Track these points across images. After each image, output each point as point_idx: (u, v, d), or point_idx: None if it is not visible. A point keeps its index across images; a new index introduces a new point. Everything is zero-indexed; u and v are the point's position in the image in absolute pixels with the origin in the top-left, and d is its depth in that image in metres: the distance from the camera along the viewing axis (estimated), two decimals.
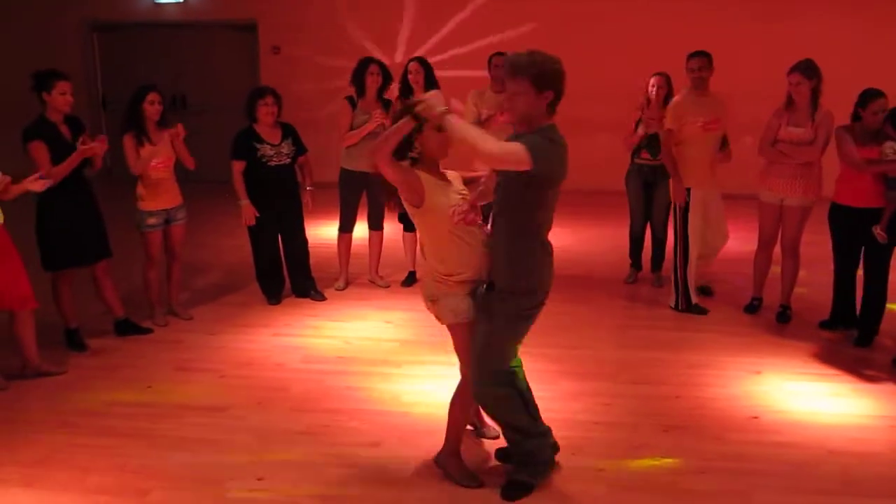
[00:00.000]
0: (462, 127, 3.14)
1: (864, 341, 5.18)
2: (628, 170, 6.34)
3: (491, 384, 3.41)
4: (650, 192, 6.26)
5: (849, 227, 5.17)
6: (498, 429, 3.75)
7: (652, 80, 6.07)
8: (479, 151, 3.10)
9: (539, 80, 3.14)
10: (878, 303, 5.16)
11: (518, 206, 3.28)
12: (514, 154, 3.09)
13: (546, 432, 3.65)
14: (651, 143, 6.09)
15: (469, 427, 3.92)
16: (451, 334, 3.51)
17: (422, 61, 6.07)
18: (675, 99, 5.80)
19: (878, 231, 4.97)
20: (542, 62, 3.16)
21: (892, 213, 4.95)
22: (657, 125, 5.97)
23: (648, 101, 6.08)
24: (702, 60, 5.65)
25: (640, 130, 6.08)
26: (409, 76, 5.99)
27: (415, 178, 3.29)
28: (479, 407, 3.76)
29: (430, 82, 6.00)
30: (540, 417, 3.63)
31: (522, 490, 3.51)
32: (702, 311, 5.79)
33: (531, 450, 3.58)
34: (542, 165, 3.10)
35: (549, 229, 3.39)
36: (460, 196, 3.40)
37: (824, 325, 5.48)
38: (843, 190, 5.19)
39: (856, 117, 5.12)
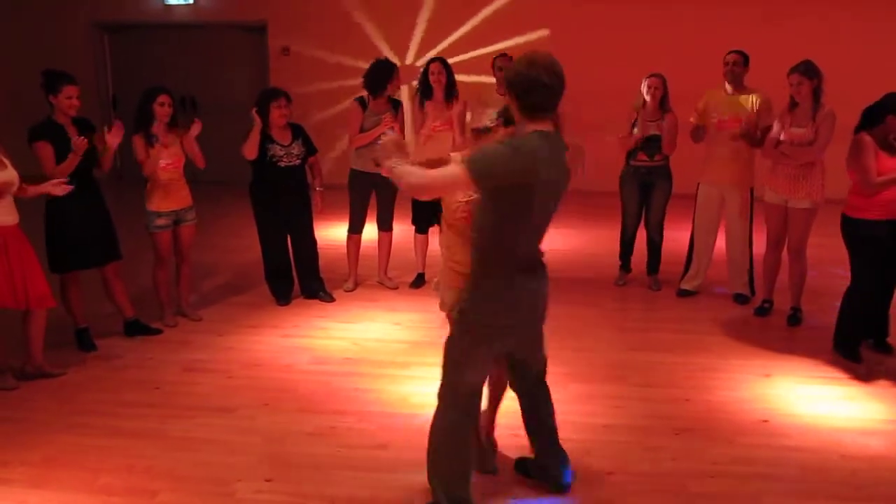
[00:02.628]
0: (398, 173, 3.00)
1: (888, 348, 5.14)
2: (623, 171, 6.28)
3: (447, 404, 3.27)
4: (647, 193, 6.23)
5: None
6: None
7: (647, 82, 6.04)
8: (406, 188, 2.99)
9: (509, 86, 3.01)
10: None
11: (481, 225, 3.07)
12: (446, 176, 2.95)
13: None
14: (648, 144, 6.06)
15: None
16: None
17: (444, 62, 6.06)
18: (706, 93, 5.87)
19: None
20: (511, 67, 3.03)
21: None
22: (654, 126, 5.97)
23: (644, 102, 6.06)
24: (737, 56, 5.77)
25: (638, 132, 6.05)
26: (431, 76, 5.98)
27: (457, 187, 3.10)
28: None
29: (451, 84, 6.01)
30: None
31: None
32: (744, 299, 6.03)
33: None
34: (479, 167, 2.85)
35: (525, 255, 3.11)
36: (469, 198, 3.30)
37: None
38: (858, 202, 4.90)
39: (874, 122, 4.78)
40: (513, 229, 3.02)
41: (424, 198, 3.43)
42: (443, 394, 3.29)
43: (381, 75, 5.88)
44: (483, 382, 3.33)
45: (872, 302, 5.01)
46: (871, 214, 4.77)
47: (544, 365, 3.55)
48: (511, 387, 3.61)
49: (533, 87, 2.92)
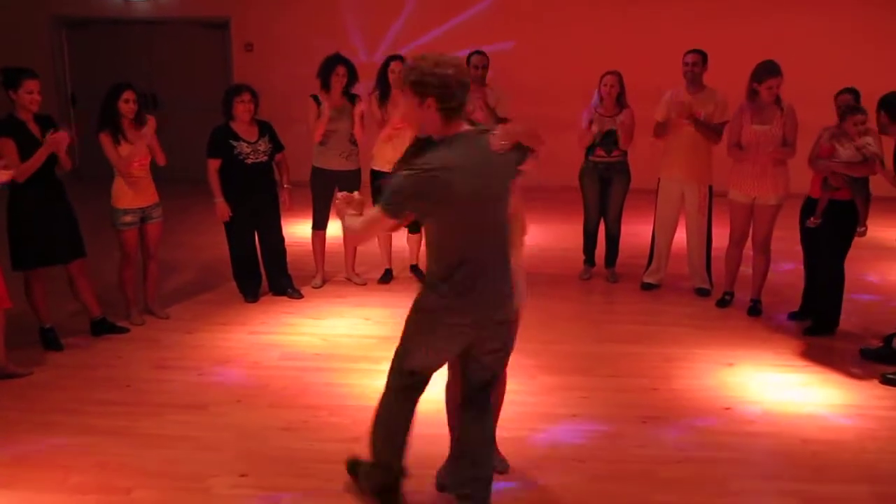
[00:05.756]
0: (345, 226, 3.09)
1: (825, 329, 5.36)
2: (582, 167, 6.38)
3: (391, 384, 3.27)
4: (606, 188, 6.33)
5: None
6: (507, 462, 3.71)
7: (605, 79, 6.11)
8: (348, 237, 3.11)
9: (417, 87, 2.85)
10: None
11: (429, 238, 3.07)
12: (371, 221, 2.96)
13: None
14: (605, 140, 6.15)
15: None
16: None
17: (403, 60, 6.07)
18: (668, 92, 5.98)
19: (812, 219, 5.21)
20: (421, 67, 2.85)
21: (828, 202, 5.15)
22: (611, 122, 6.08)
23: (601, 99, 6.15)
24: (695, 56, 5.86)
25: (595, 128, 6.13)
26: (391, 75, 5.97)
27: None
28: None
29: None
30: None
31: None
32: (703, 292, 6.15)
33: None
34: (397, 211, 2.88)
35: (473, 256, 2.99)
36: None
37: (794, 315, 5.61)
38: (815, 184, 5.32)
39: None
40: (458, 239, 2.97)
41: (365, 241, 3.40)
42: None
43: (325, 69, 5.89)
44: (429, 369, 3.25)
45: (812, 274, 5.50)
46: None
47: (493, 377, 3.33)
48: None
49: (449, 86, 2.82)
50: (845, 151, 5.05)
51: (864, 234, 5.15)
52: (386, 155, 5.88)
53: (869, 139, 5.01)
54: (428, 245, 3.08)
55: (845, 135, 5.06)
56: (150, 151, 5.33)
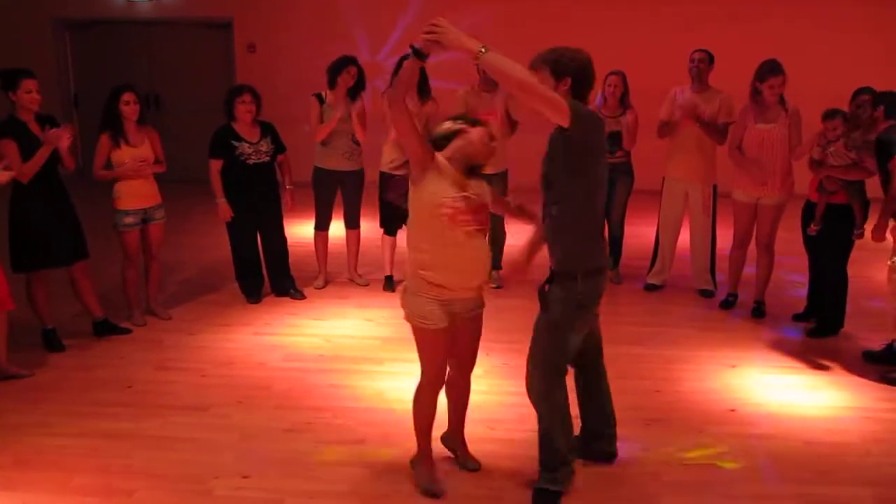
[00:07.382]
0: (491, 59, 2.97)
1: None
2: None
3: (549, 381, 3.45)
4: (609, 189, 6.29)
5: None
6: (478, 462, 3.74)
7: (608, 79, 6.09)
8: (513, 77, 2.96)
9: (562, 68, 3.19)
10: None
11: (568, 190, 3.30)
12: (553, 99, 3.02)
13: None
14: (608, 140, 6.11)
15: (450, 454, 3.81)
16: (414, 335, 3.48)
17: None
18: (673, 91, 5.98)
19: (812, 226, 5.22)
20: (561, 52, 3.22)
21: (826, 207, 5.16)
22: (614, 123, 6.05)
23: (605, 99, 6.13)
24: (702, 54, 5.88)
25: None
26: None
27: (420, 143, 3.20)
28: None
29: (424, 82, 5.95)
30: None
31: (551, 499, 3.48)
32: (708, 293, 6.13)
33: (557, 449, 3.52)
34: (579, 126, 3.06)
35: (601, 212, 3.50)
36: (466, 195, 3.25)
37: (798, 317, 5.59)
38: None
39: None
40: (601, 196, 3.45)
41: (521, 97, 3.10)
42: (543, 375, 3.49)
43: (333, 69, 5.91)
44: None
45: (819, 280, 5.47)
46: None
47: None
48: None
49: (585, 71, 3.21)
50: (835, 156, 5.04)
51: (861, 236, 5.13)
52: (394, 156, 5.86)
53: (833, 149, 5.03)
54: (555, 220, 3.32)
55: (830, 140, 5.07)
56: (154, 152, 5.34)
